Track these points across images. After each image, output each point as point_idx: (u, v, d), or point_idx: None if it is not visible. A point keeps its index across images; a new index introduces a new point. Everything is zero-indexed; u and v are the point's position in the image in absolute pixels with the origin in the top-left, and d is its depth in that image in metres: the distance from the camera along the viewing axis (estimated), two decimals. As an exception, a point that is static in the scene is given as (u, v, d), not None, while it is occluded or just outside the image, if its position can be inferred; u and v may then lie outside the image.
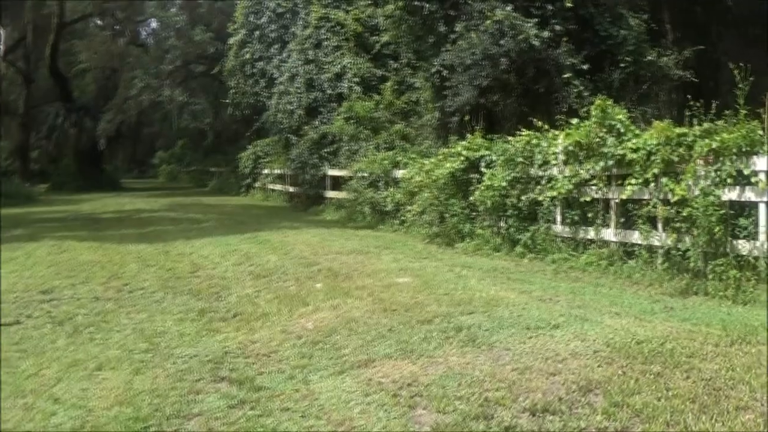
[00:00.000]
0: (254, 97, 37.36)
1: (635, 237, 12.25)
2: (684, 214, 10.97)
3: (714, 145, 10.75)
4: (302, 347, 7.99)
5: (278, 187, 34.18)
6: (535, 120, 14.63)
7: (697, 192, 10.85)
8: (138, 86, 54.79)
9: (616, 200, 12.58)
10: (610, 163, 12.51)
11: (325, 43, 29.70)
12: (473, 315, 8.92)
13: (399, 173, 20.50)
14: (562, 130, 14.04)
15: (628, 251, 12.46)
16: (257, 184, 37.98)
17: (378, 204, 21.34)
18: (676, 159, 11.38)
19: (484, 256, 14.47)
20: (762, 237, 10.33)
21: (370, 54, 28.25)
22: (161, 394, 6.63)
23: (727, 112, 11.34)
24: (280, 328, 8.90)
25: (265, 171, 36.15)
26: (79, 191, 41.72)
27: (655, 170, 11.58)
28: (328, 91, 28.75)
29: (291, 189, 31.86)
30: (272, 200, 34.03)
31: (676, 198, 11.14)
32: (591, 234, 13.15)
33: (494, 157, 15.41)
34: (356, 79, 27.77)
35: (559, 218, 13.88)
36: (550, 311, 9.01)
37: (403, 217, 19.06)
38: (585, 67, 18.53)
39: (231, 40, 39.63)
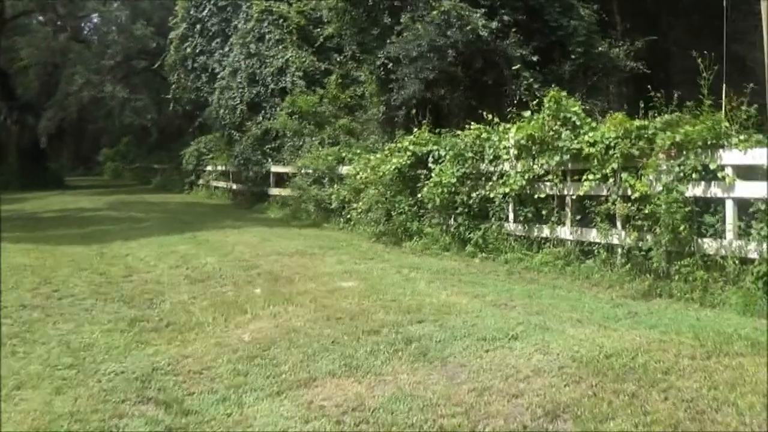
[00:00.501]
0: (196, 92, 36.00)
1: (593, 235, 11.53)
2: (646, 211, 10.26)
3: (677, 138, 10.04)
4: (238, 363, 7.18)
5: (221, 184, 33.07)
6: (485, 113, 13.84)
7: (659, 188, 10.15)
8: (79, 82, 53.12)
9: (573, 197, 11.84)
10: (566, 157, 11.76)
11: (268, 36, 28.53)
12: (424, 324, 8.30)
13: (344, 169, 19.59)
14: (514, 123, 13.27)
15: (585, 250, 11.74)
16: (201, 182, 36.74)
17: (323, 201, 20.34)
18: (636, 153, 10.64)
19: (433, 256, 13.67)
20: (729, 235, 9.65)
21: (314, 47, 27.19)
22: (82, 419, 5.87)
23: (689, 103, 10.65)
24: (215, 340, 8.09)
25: (209, 168, 34.96)
26: (23, 190, 40.05)
27: (614, 165, 10.85)
28: (271, 86, 27.62)
29: (234, 186, 30.74)
30: (216, 198, 32.88)
31: (637, 194, 10.43)
32: (546, 232, 12.41)
33: (443, 152, 14.58)
34: (299, 73, 26.68)
35: (511, 216, 13.12)
36: (506, 319, 8.40)
37: (348, 215, 18.16)
38: (535, 58, 17.83)
39: (172, 35, 38.23)
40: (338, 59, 25.95)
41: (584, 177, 11.29)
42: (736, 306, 8.84)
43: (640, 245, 10.49)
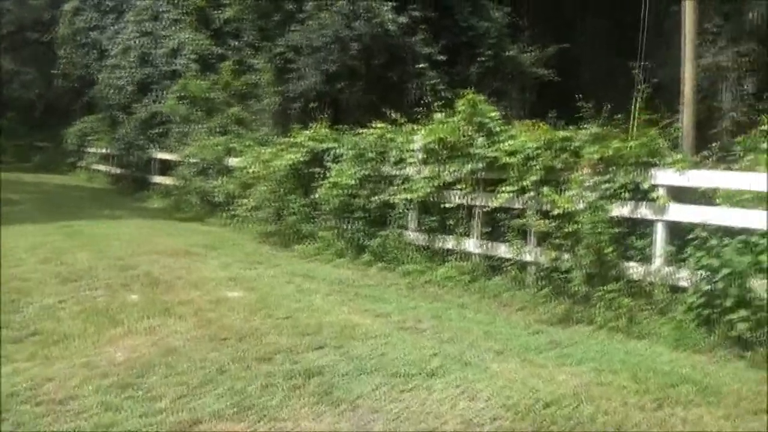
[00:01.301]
0: (85, 69, 33.70)
1: (502, 250, 10.31)
2: (568, 229, 9.04)
3: (609, 152, 8.83)
4: (107, 392, 5.75)
5: (104, 167, 30.73)
6: (390, 112, 12.40)
7: (582, 205, 8.99)
8: (-34, 53, 49.74)
9: (486, 208, 10.51)
10: (480, 165, 10.43)
11: (165, 15, 26.59)
12: (325, 351, 6.97)
13: (233, 161, 17.85)
14: (421, 124, 11.91)
15: (493, 266, 10.46)
16: (83, 163, 34.30)
17: (208, 194, 18.54)
18: (559, 166, 9.41)
19: (326, 262, 12.18)
20: (658, 261, 8.58)
21: (211, 30, 25.29)
22: None
23: (618, 115, 9.51)
24: (84, 358, 6.61)
25: (92, 149, 32.56)
26: None
27: (534, 177, 9.57)
28: (163, 68, 25.67)
29: (117, 171, 28.52)
30: (97, 181, 30.41)
31: (558, 210, 9.17)
32: (450, 244, 11.07)
33: (342, 151, 13.13)
34: (193, 56, 24.70)
35: (413, 224, 11.74)
36: (418, 347, 7.17)
37: (235, 211, 16.32)
38: (442, 58, 16.61)
39: (66, 6, 35.79)
40: (235, 45, 24.15)
41: (501, 188, 10.00)
42: (667, 339, 7.74)
43: (557, 265, 9.28)
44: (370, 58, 16.59)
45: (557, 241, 9.23)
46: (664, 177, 8.59)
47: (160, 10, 26.94)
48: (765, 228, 7.73)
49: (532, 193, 9.64)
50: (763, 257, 7.53)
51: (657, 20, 21.07)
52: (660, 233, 8.59)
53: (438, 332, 7.83)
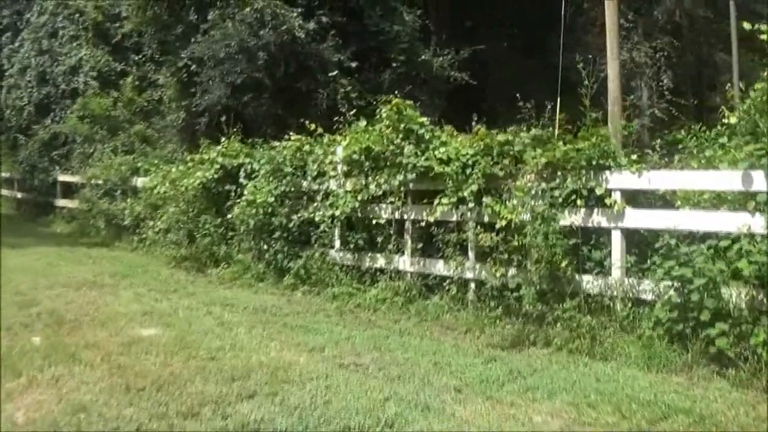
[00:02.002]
0: (-18, 90, 31.39)
1: (439, 267, 9.12)
2: (515, 242, 7.86)
3: (557, 156, 7.71)
4: None
5: (6, 192, 28.52)
6: (305, 122, 11.10)
7: (527, 215, 7.86)
8: None
9: (421, 222, 9.26)
10: (411, 176, 9.18)
11: (62, 32, 24.82)
12: (258, 400, 5.69)
13: (139, 181, 16.24)
14: (340, 134, 10.65)
15: (429, 285, 9.25)
16: (-15, 189, 31.92)
17: (114, 217, 16.77)
18: (500, 173, 8.23)
19: (246, 287, 10.79)
20: (617, 272, 7.47)
21: (111, 45, 23.52)
22: None
23: (546, 117, 8.50)
24: None
25: (-7, 174, 30.23)
26: None
27: (474, 187, 8.38)
28: (62, 86, 23.86)
29: (19, 195, 26.37)
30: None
31: (503, 222, 8.00)
32: (380, 262, 9.81)
33: (257, 166, 11.74)
34: (93, 73, 22.97)
35: (338, 242, 10.44)
36: (365, 390, 5.98)
37: (144, 234, 14.76)
38: (353, 64, 15.35)
39: (-41, 26, 33.35)
40: (136, 59, 22.45)
41: (436, 200, 8.77)
42: (636, 359, 6.70)
43: (505, 282, 8.09)
44: (278, 68, 15.21)
45: (503, 255, 8.08)
46: (620, 180, 7.51)
47: (58, 26, 25.08)
48: (734, 231, 6.73)
49: (472, 205, 8.45)
50: (742, 263, 6.49)
51: (567, 18, 20.26)
52: (617, 242, 7.51)
53: (382, 367, 6.65)
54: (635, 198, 7.63)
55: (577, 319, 7.28)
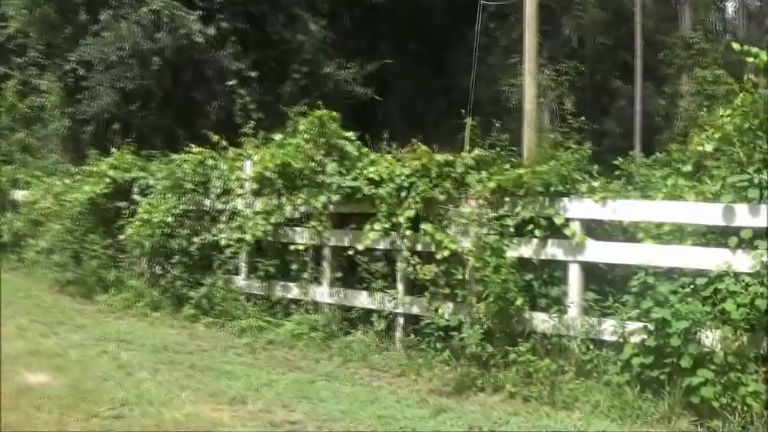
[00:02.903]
0: None
1: (362, 300, 7.77)
2: (460, 275, 6.61)
3: (508, 180, 6.55)
4: None
5: None
6: (212, 134, 9.60)
7: (469, 244, 6.63)
8: None
9: (349, 251, 7.74)
10: (335, 198, 7.79)
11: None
12: None
13: (20, 194, 14.23)
14: (250, 147, 9.24)
15: (351, 319, 7.87)
16: None
17: (-9, 233, 14.65)
18: (442, 198, 6.96)
19: (141, 317, 9.18)
20: (573, 311, 6.33)
21: (-8, 48, 21.26)
22: None
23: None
24: None
25: None
26: None
27: (410, 212, 7.07)
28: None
29: None
30: None
31: (445, 252, 6.72)
32: (295, 292, 8.37)
33: (153, 182, 10.12)
34: (-28, 77, 20.66)
35: (245, 269, 8.96)
36: None
37: (24, 254, 12.79)
38: (253, 74, 13.92)
39: None
40: (19, 62, 20.27)
41: (367, 226, 7.40)
42: (605, 408, 5.63)
43: (449, 320, 6.79)
44: (172, 74, 13.67)
45: (443, 289, 6.81)
46: (580, 209, 6.37)
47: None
48: (711, 268, 5.70)
49: (409, 232, 7.12)
50: (729, 306, 5.45)
51: (466, 37, 19.39)
52: (576, 277, 6.36)
53: (320, 423, 5.44)
54: (594, 229, 6.51)
55: (532, 362, 6.10)
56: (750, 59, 6.12)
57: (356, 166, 7.69)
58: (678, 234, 6.13)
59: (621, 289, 6.30)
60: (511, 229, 6.49)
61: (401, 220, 7.06)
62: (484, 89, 19.26)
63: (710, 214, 5.83)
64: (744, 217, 5.69)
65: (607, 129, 23.32)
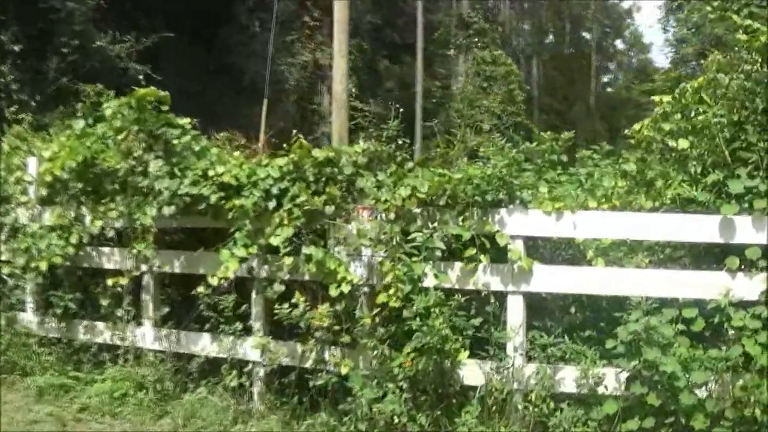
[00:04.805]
0: None
1: (203, 345, 5.42)
2: (367, 318, 4.60)
3: (424, 187, 4.57)
4: None
5: None
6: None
7: (361, 272, 4.74)
8: None
9: (205, 289, 5.14)
10: (169, 210, 5.32)
11: None
12: None
13: None
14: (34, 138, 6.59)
15: (190, 371, 5.44)
16: None
17: None
18: (328, 210, 4.80)
19: None
20: (517, 356, 4.48)
21: None
22: None
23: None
24: None
25: None
26: None
27: (289, 231, 4.82)
28: None
29: None
30: None
31: (344, 287, 4.63)
32: (106, 336, 5.82)
33: None
34: None
35: (32, 304, 6.21)
36: None
37: None
38: (16, 48, 10.96)
39: None
40: None
41: (224, 252, 4.98)
42: None
43: (339, 377, 4.73)
44: None
45: (338, 335, 4.73)
46: (523, 223, 4.50)
47: None
48: (709, 297, 4.19)
49: (288, 259, 4.83)
50: (751, 346, 3.96)
51: (239, 13, 17.01)
52: (517, 312, 4.51)
53: None
54: (534, 248, 4.71)
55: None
56: (743, 37, 4.60)
57: (193, 165, 5.33)
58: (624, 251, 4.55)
59: (577, 325, 4.61)
60: (438, 253, 4.53)
61: (277, 241, 4.83)
62: (262, 69, 17.19)
63: (707, 229, 4.23)
64: (748, 232, 4.16)
65: (381, 113, 21.73)
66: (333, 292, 4.60)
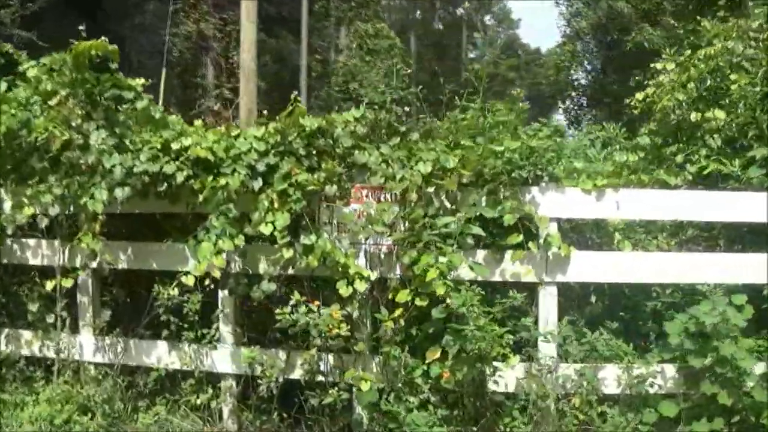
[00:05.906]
0: None
1: (159, 354, 4.41)
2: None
3: (448, 160, 3.86)
4: None
5: None
6: None
7: (362, 261, 3.96)
8: None
9: (166, 294, 4.16)
10: (123, 192, 4.12)
11: None
12: None
13: None
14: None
15: (140, 388, 4.45)
16: None
17: None
18: (332, 191, 3.91)
19: None
20: (549, 351, 3.80)
21: None
22: None
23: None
24: None
25: None
26: None
27: (285, 218, 3.85)
28: None
29: None
30: None
31: (360, 286, 3.77)
32: (34, 347, 4.61)
33: None
34: None
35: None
36: None
37: None
38: None
39: None
40: None
41: (205, 243, 3.91)
42: None
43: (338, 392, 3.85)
44: None
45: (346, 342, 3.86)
46: (557, 203, 3.82)
47: None
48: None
49: (288, 251, 3.87)
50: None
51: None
52: (547, 305, 3.84)
53: None
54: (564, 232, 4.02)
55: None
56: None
57: (150, 137, 4.19)
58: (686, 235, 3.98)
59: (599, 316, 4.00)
60: (470, 240, 3.75)
61: (269, 229, 3.85)
62: (144, 40, 15.82)
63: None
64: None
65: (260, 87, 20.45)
66: (344, 291, 3.72)
